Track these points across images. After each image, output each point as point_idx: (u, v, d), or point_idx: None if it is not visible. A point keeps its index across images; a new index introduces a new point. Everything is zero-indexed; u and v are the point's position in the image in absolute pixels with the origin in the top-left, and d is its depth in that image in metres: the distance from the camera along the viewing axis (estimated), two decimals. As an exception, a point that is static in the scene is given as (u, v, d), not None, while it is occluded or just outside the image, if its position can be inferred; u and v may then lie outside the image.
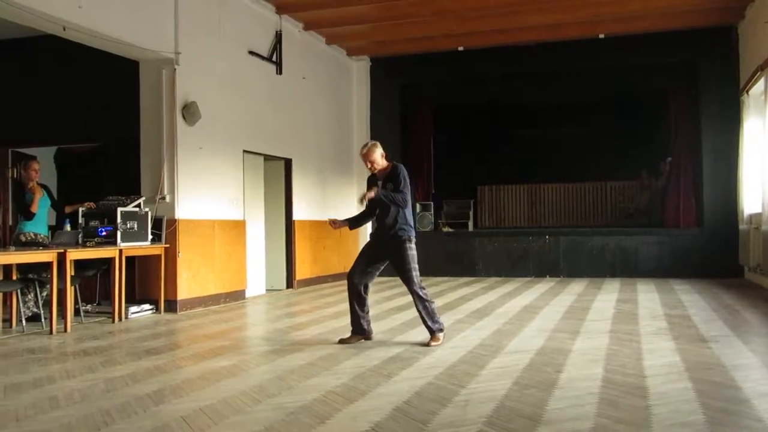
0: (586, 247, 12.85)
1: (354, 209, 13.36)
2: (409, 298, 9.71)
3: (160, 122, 8.71)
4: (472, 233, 14.28)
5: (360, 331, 6.18)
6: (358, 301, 6.13)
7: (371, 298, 10.02)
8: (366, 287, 6.17)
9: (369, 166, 6.18)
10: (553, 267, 12.92)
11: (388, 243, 6.05)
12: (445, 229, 14.40)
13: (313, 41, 12.48)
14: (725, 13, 11.59)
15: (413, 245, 6.08)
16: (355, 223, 6.43)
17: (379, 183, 6.16)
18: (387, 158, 6.28)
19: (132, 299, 8.50)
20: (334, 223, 6.27)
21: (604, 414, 3.77)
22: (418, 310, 6.03)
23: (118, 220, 7.81)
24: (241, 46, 10.18)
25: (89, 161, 10.98)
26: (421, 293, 5.97)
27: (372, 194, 5.97)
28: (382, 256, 6.14)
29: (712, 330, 6.55)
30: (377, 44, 13.57)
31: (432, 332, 6.02)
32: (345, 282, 6.33)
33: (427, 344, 5.93)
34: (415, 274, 5.98)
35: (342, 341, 6.15)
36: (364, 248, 6.31)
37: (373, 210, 6.26)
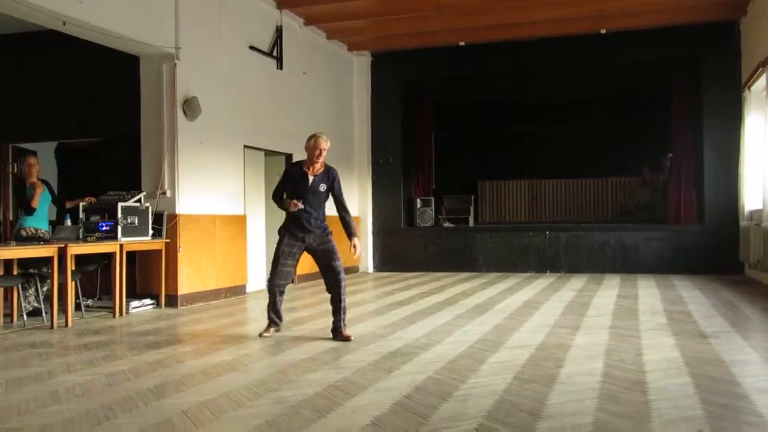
0: (586, 243, 12.86)
1: (354, 204, 13.39)
2: (409, 293, 9.81)
3: (160, 117, 8.71)
4: (473, 228, 14.27)
5: (278, 323, 6.44)
6: (281, 299, 6.39)
7: (371, 293, 10.08)
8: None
9: (318, 153, 6.17)
10: (554, 262, 12.92)
11: (317, 238, 6.19)
12: (446, 225, 14.41)
13: (313, 36, 12.46)
14: (727, 9, 11.57)
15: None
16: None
17: (310, 177, 6.20)
18: None
19: (133, 294, 8.52)
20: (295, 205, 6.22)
21: (604, 409, 3.78)
22: (338, 302, 6.16)
23: (119, 215, 7.81)
24: (241, 41, 10.17)
25: (90, 156, 10.98)
26: (343, 282, 6.18)
27: (357, 247, 6.29)
28: (301, 251, 6.26)
29: (712, 326, 6.56)
30: (378, 39, 13.55)
31: (344, 326, 6.23)
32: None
33: (349, 338, 6.09)
34: (340, 264, 6.23)
35: (263, 335, 6.33)
36: (284, 248, 6.22)
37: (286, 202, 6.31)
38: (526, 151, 16.95)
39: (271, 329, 6.40)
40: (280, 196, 6.38)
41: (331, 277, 6.20)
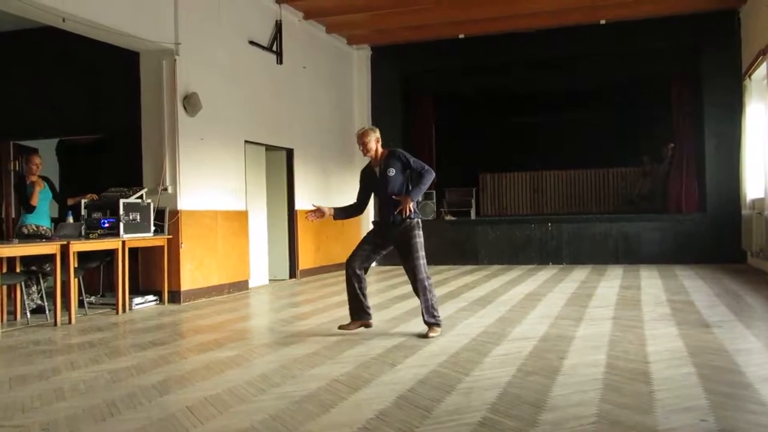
0: (588, 234, 12.84)
1: (354, 198, 13.39)
2: (411, 287, 9.77)
3: (161, 113, 8.69)
4: (475, 221, 14.27)
5: (362, 316, 6.03)
6: (359, 285, 5.95)
7: (374, 287, 10.07)
8: (365, 272, 6.03)
9: (361, 148, 5.98)
10: (556, 254, 12.91)
11: (395, 230, 5.88)
12: (448, 218, 14.40)
13: (313, 30, 12.44)
14: (727, -3, 11.58)
15: (421, 232, 5.91)
16: (341, 213, 6.20)
17: (377, 170, 5.98)
18: (382, 145, 6.06)
19: (136, 290, 8.52)
20: (313, 214, 6.01)
21: (608, 400, 3.78)
22: (421, 302, 5.91)
23: (121, 211, 7.81)
24: (241, 36, 10.15)
25: (91, 153, 10.97)
26: (426, 283, 5.84)
27: (409, 205, 5.76)
28: (387, 243, 5.99)
29: (715, 315, 6.55)
30: (378, 33, 13.52)
31: (429, 325, 5.90)
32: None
33: (426, 336, 5.81)
34: (423, 262, 5.85)
35: (342, 327, 6.04)
36: (367, 236, 6.10)
37: (363, 205, 6.16)
38: (527, 143, 16.93)
39: (355, 324, 6.02)
40: (348, 204, 6.21)
41: (410, 278, 5.90)
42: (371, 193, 6.18)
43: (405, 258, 5.89)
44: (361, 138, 5.96)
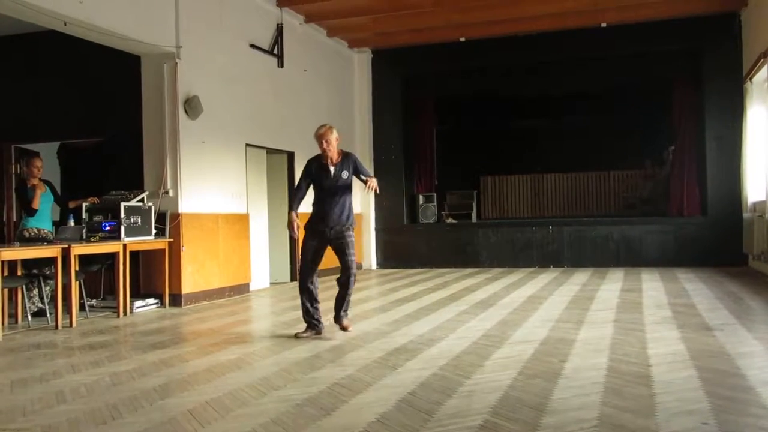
0: (589, 237, 12.84)
1: (357, 201, 13.40)
2: (413, 289, 9.81)
3: (162, 116, 8.70)
4: (476, 224, 14.27)
5: (314, 326, 6.19)
6: (310, 298, 6.16)
7: (375, 290, 10.09)
8: (315, 282, 6.22)
9: (325, 146, 6.08)
10: (557, 257, 12.90)
11: (336, 231, 6.08)
12: (448, 220, 14.40)
13: (314, 34, 12.45)
14: (728, 0, 11.54)
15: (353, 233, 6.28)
16: (297, 205, 6.35)
17: (332, 169, 6.11)
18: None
19: (137, 294, 8.52)
20: (294, 230, 6.29)
21: (609, 403, 3.77)
22: (343, 295, 6.15)
23: (122, 214, 7.82)
24: (242, 40, 10.16)
25: (92, 156, 10.98)
26: (353, 279, 6.09)
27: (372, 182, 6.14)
28: (325, 245, 6.17)
29: (717, 318, 6.54)
30: (379, 36, 13.53)
31: (340, 318, 6.22)
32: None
33: (344, 328, 6.19)
34: (354, 259, 6.17)
35: (298, 335, 6.18)
36: (306, 245, 6.19)
37: (305, 194, 6.30)
38: (527, 146, 16.95)
39: (310, 331, 6.20)
40: (298, 196, 6.28)
41: (343, 272, 6.13)
42: (314, 185, 6.25)
43: (342, 254, 6.10)
44: (325, 136, 6.07)
